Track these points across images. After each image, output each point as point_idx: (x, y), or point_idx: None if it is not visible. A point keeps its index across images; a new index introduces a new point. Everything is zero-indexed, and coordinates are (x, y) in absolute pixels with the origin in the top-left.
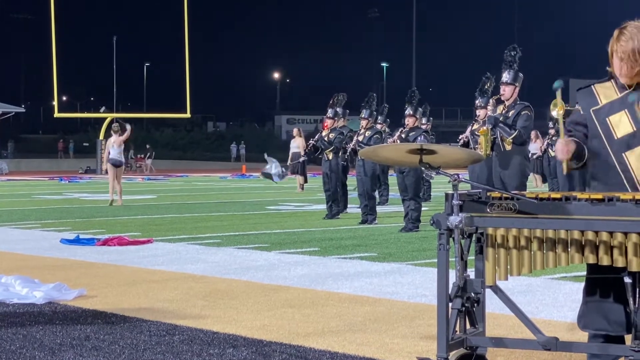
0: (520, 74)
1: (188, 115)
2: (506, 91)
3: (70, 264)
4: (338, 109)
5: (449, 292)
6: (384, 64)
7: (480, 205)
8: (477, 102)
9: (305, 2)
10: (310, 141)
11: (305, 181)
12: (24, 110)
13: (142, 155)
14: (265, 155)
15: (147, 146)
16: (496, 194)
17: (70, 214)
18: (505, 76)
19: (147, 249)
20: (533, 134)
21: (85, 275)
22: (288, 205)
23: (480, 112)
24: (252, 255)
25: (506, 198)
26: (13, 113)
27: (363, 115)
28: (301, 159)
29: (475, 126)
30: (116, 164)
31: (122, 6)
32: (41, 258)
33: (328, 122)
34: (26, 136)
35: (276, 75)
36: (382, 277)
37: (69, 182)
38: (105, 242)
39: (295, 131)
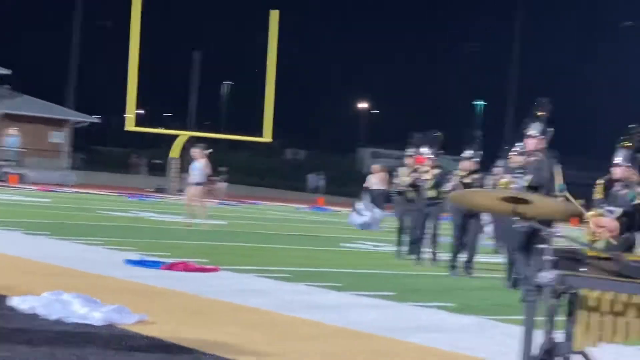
0: None
1: (269, 139)
2: None
3: (132, 287)
4: (428, 148)
5: (534, 353)
6: (479, 103)
7: (575, 264)
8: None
9: (400, 29)
10: (399, 179)
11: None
12: (99, 121)
13: (216, 178)
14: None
15: (224, 169)
16: (594, 252)
17: (136, 233)
18: None
19: (213, 278)
20: None
21: (147, 300)
22: (364, 244)
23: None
24: (323, 293)
25: (605, 258)
26: (87, 123)
27: (467, 156)
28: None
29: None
30: (196, 184)
31: (207, 19)
32: (103, 277)
33: (426, 160)
34: (97, 148)
35: (363, 105)
36: (460, 331)
37: (137, 199)
38: (171, 267)
39: (374, 167)
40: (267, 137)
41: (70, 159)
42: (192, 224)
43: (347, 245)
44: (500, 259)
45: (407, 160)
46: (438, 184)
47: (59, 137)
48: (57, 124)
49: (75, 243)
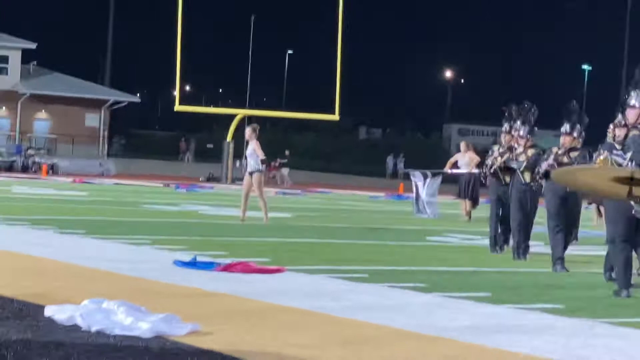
0: None
1: (336, 117)
2: None
3: (183, 292)
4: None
5: None
6: (585, 67)
7: None
8: None
9: None
10: (491, 158)
11: (474, 206)
12: (139, 100)
13: (277, 164)
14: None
15: (287, 152)
16: None
17: (186, 230)
18: None
19: (278, 280)
20: None
21: (200, 307)
22: (454, 237)
23: None
24: (406, 296)
25: None
26: (126, 103)
27: (566, 130)
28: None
29: None
30: (250, 172)
31: None
32: (150, 282)
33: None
34: (138, 132)
35: (448, 74)
36: (570, 336)
37: (187, 190)
38: (227, 268)
39: (463, 145)
40: (335, 114)
41: (108, 145)
42: (246, 218)
43: (434, 238)
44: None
45: (502, 138)
46: (533, 165)
47: (95, 121)
48: (93, 105)
49: (117, 242)
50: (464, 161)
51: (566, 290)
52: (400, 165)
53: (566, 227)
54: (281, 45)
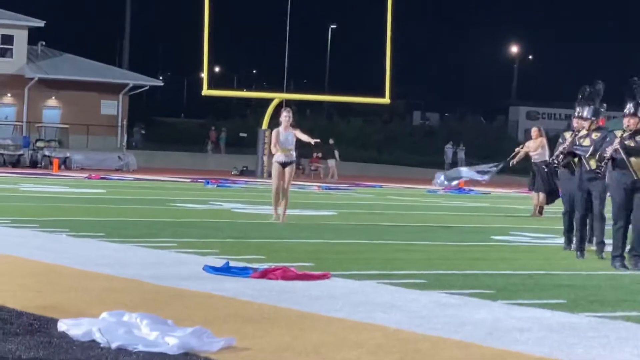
0: None
1: (387, 100)
2: None
3: (215, 302)
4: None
5: None
6: None
7: None
8: None
9: None
10: (562, 147)
11: (548, 202)
12: (161, 84)
13: (319, 155)
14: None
15: (331, 141)
16: None
17: (217, 231)
18: None
19: (322, 287)
20: None
21: (235, 318)
22: (523, 236)
23: None
24: (470, 304)
25: None
26: (147, 87)
27: (630, 111)
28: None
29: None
30: (285, 163)
31: None
32: (177, 290)
33: (585, 123)
34: (163, 120)
35: (514, 50)
36: None
37: (217, 186)
38: (265, 274)
39: (534, 131)
40: (385, 97)
41: (127, 135)
42: (277, 217)
43: (501, 238)
44: None
45: (574, 123)
46: (598, 151)
47: (112, 108)
48: (109, 90)
49: (139, 247)
50: (537, 149)
51: None
52: (461, 154)
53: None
54: (323, 19)
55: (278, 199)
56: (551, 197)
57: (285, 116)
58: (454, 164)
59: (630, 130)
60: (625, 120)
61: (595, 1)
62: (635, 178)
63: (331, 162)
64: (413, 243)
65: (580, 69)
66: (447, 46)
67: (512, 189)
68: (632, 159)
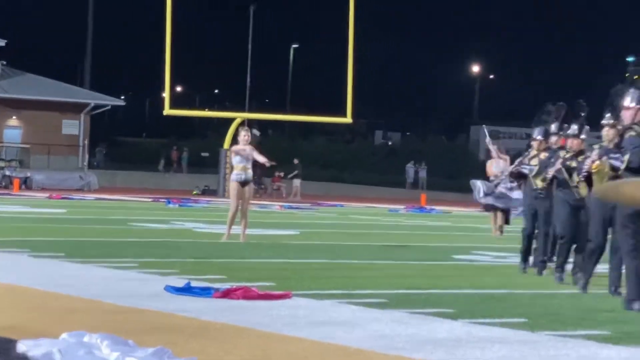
0: None
1: (349, 120)
2: None
3: (176, 322)
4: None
5: None
6: (629, 58)
7: None
8: None
9: None
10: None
11: (507, 221)
12: (123, 104)
13: (281, 174)
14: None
15: (295, 161)
16: None
17: (179, 251)
18: None
19: (284, 307)
20: None
21: (196, 339)
22: (484, 255)
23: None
24: (431, 323)
25: None
26: (108, 107)
27: (573, 132)
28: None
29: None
30: (243, 181)
31: None
32: (139, 310)
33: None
34: (124, 139)
35: (475, 69)
36: None
37: (179, 205)
38: (226, 294)
39: (493, 150)
40: (347, 117)
41: (89, 155)
42: (228, 237)
43: (463, 257)
44: None
45: (534, 141)
46: (543, 171)
47: (74, 128)
48: (71, 109)
49: (101, 267)
50: (499, 168)
51: (611, 314)
52: (423, 173)
53: (575, 238)
54: (285, 39)
55: (234, 219)
56: (507, 215)
57: (244, 135)
58: (415, 182)
59: (574, 151)
60: (569, 142)
61: (557, 23)
62: (578, 197)
63: (296, 182)
64: (374, 262)
65: (540, 89)
66: (409, 65)
67: (474, 208)
68: (576, 177)
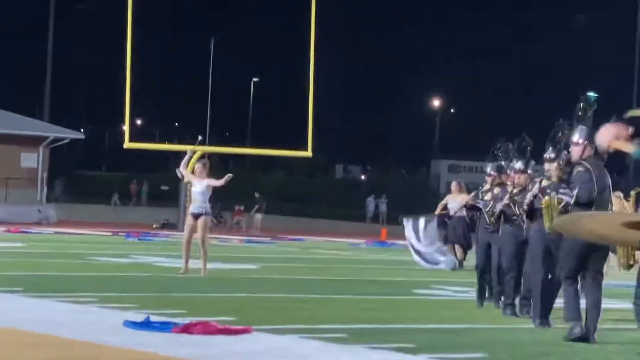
0: None
1: (309, 153)
2: None
3: (135, 357)
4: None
5: None
6: (591, 94)
7: None
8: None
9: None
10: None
11: (465, 254)
12: (82, 137)
13: (242, 207)
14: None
15: (257, 195)
16: None
17: (138, 285)
18: None
19: (244, 342)
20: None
21: None
22: (445, 290)
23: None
24: (392, 358)
25: None
26: (67, 140)
27: (520, 168)
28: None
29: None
30: (196, 214)
31: None
32: (97, 346)
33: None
34: (84, 172)
35: (436, 104)
36: None
37: (138, 239)
38: (186, 329)
39: (454, 186)
40: (308, 150)
41: (48, 188)
42: (188, 270)
43: (423, 292)
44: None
45: (488, 177)
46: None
47: (32, 161)
48: (29, 142)
49: (59, 301)
50: (456, 204)
51: (569, 349)
52: (383, 207)
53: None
54: (245, 73)
55: (187, 251)
56: (467, 249)
57: (198, 167)
58: (376, 216)
59: (521, 186)
60: (516, 177)
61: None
62: (525, 232)
63: (257, 216)
64: (335, 297)
65: (500, 123)
66: (370, 100)
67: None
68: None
